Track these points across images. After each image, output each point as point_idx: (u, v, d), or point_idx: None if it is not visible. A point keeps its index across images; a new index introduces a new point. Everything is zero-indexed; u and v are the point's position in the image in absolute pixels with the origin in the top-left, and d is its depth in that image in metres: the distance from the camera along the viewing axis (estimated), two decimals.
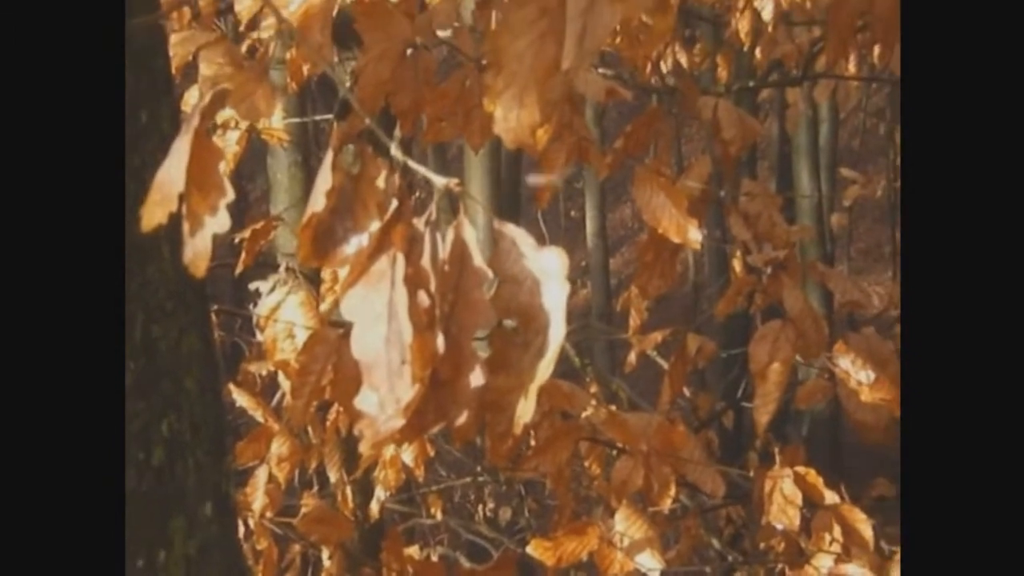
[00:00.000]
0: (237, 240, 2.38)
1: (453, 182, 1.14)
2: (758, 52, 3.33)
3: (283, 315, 2.16)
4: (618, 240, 12.71)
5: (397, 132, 2.04)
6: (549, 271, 1.16)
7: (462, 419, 1.11)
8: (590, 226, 10.07)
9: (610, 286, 10.17)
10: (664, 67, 3.45)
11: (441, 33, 1.94)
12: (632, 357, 2.69)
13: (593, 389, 2.94)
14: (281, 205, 3.97)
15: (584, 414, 2.14)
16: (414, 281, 1.09)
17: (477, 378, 1.12)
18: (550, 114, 1.17)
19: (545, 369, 1.15)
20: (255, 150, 3.78)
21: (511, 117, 1.12)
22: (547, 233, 12.73)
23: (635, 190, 1.98)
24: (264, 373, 2.50)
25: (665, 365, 2.43)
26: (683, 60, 3.56)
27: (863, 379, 2.04)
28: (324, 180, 1.08)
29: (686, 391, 2.56)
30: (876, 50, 2.60)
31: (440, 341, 1.09)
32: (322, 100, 3.79)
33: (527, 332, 1.16)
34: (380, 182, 1.24)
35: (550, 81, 1.11)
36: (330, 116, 3.11)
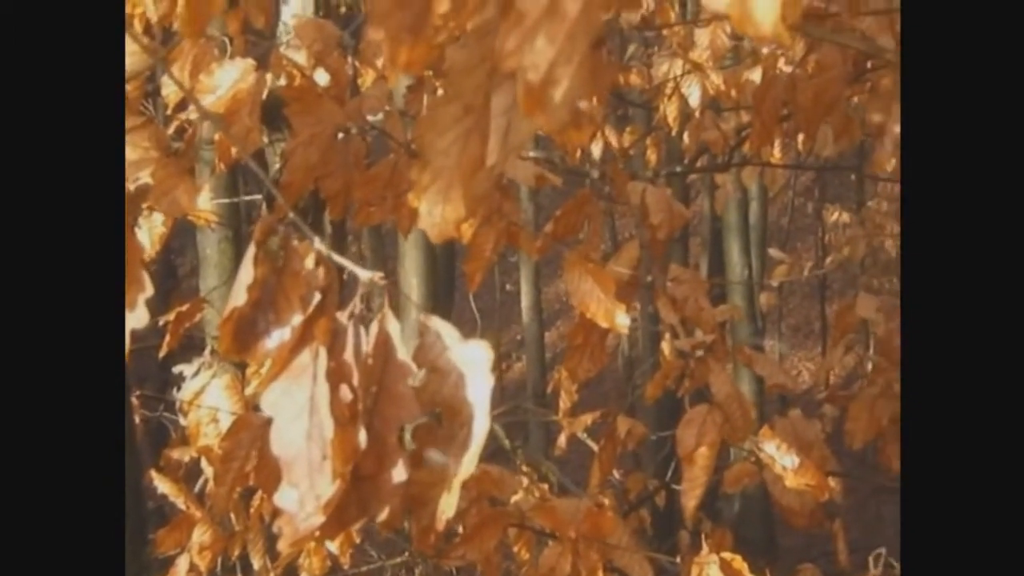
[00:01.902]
0: (162, 323, 2.35)
1: (377, 275, 1.14)
2: (686, 137, 3.39)
3: (207, 399, 2.13)
4: (553, 314, 12.75)
5: (327, 216, 2.04)
6: (474, 363, 1.16)
7: (384, 515, 1.10)
8: (525, 300, 10.10)
9: (545, 360, 10.18)
10: (596, 150, 3.51)
11: (372, 118, 1.95)
12: (562, 440, 2.69)
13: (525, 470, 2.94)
14: (211, 281, 3.93)
15: (513, 499, 2.13)
16: (337, 375, 1.08)
17: (400, 473, 1.11)
18: (475, 209, 1.18)
19: (469, 462, 1.14)
20: (184, 224, 3.75)
21: (436, 212, 1.13)
22: (483, 306, 12.76)
23: (565, 275, 2.00)
24: (187, 459, 2.46)
25: (595, 447, 2.43)
26: (614, 142, 3.62)
27: (788, 464, 2.05)
28: (246, 273, 1.08)
29: (616, 473, 2.56)
30: (800, 137, 2.65)
31: (362, 436, 1.08)
32: (254, 177, 3.79)
33: (451, 425, 1.16)
34: (309, 262, 1.24)
35: (475, 176, 1.12)
36: (259, 196, 3.10)
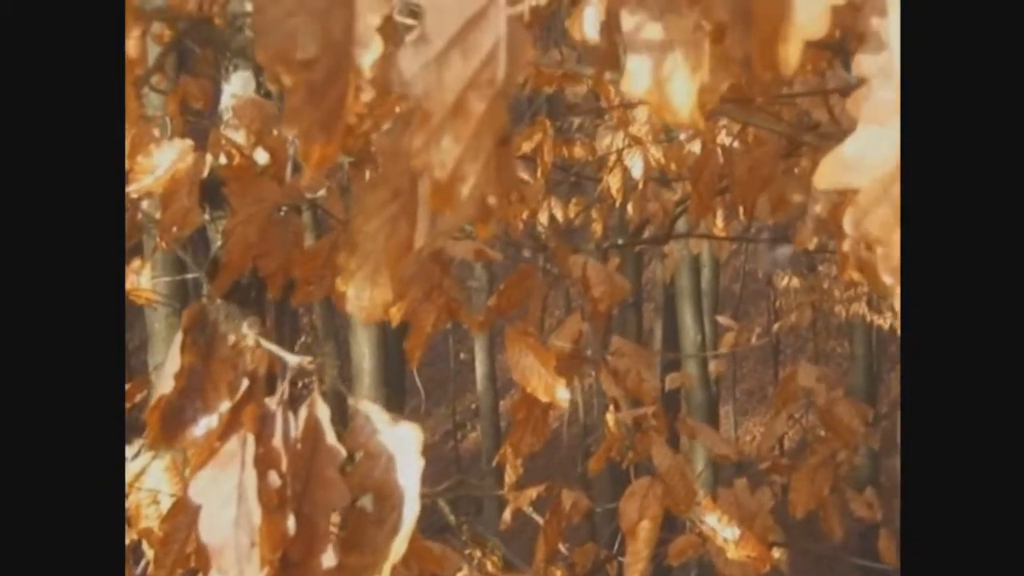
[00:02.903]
0: None
1: (306, 360, 1.15)
2: (631, 208, 3.43)
3: (147, 481, 2.12)
4: (508, 383, 12.74)
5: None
6: (404, 446, 1.16)
7: None
8: (480, 369, 10.10)
9: (500, 429, 10.16)
10: (542, 221, 3.54)
11: (311, 195, 1.96)
12: (507, 514, 2.69)
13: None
14: (159, 356, 3.91)
15: None
16: (265, 461, 1.08)
17: (330, 558, 1.11)
18: (403, 292, 1.19)
19: (400, 546, 1.14)
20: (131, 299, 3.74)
21: (364, 296, 1.13)
22: (437, 375, 12.73)
23: (506, 349, 2.01)
24: (128, 541, 2.43)
25: (540, 521, 2.44)
26: (559, 215, 3.66)
27: (729, 536, 2.06)
28: (172, 362, 1.08)
29: (563, 547, 2.57)
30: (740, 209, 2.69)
31: (291, 522, 1.08)
32: (194, 253, 3.78)
33: (382, 509, 1.16)
34: (250, 340, 1.24)
35: (403, 260, 1.13)
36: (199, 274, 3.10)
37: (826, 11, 0.97)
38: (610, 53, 1.01)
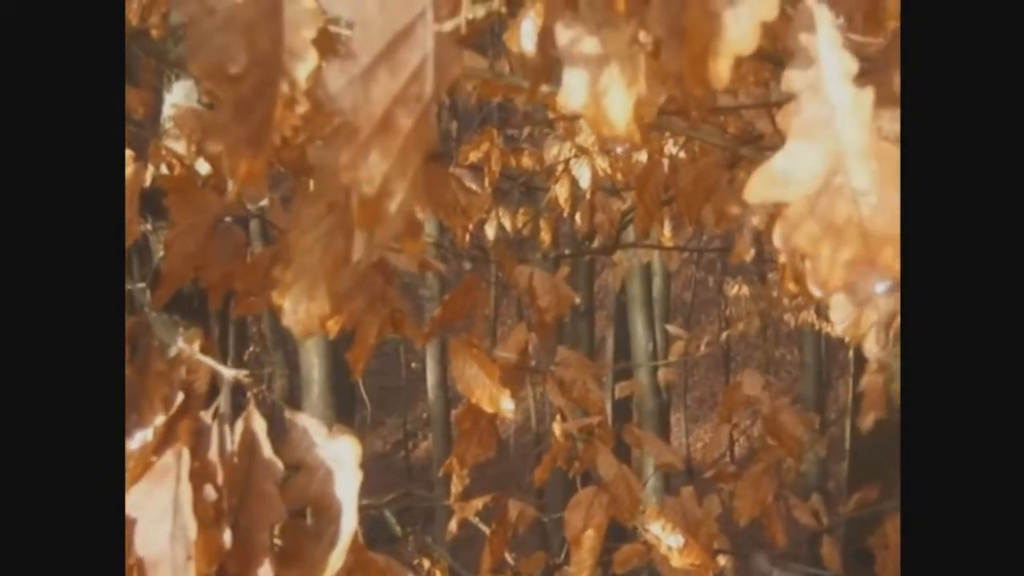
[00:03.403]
0: None
1: (243, 374, 1.15)
2: (579, 218, 3.44)
3: None
4: (459, 391, 12.72)
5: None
6: (341, 459, 1.16)
7: None
8: (431, 378, 10.07)
9: (452, 438, 10.14)
10: (489, 232, 3.55)
11: (253, 206, 1.95)
12: (453, 525, 2.69)
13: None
14: None
15: None
16: (200, 475, 1.08)
17: (267, 572, 1.10)
18: (340, 306, 1.19)
19: (337, 560, 1.14)
20: None
21: (300, 310, 1.13)
22: (389, 384, 12.70)
23: (451, 361, 2.01)
24: None
25: (487, 531, 2.44)
26: (507, 224, 3.66)
27: (673, 544, 2.07)
28: None
29: (509, 557, 2.57)
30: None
31: (227, 536, 1.08)
32: (139, 264, 3.75)
33: (319, 522, 1.16)
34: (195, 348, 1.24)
35: (339, 273, 1.13)
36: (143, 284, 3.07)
37: (756, 27, 0.98)
38: (544, 67, 1.01)
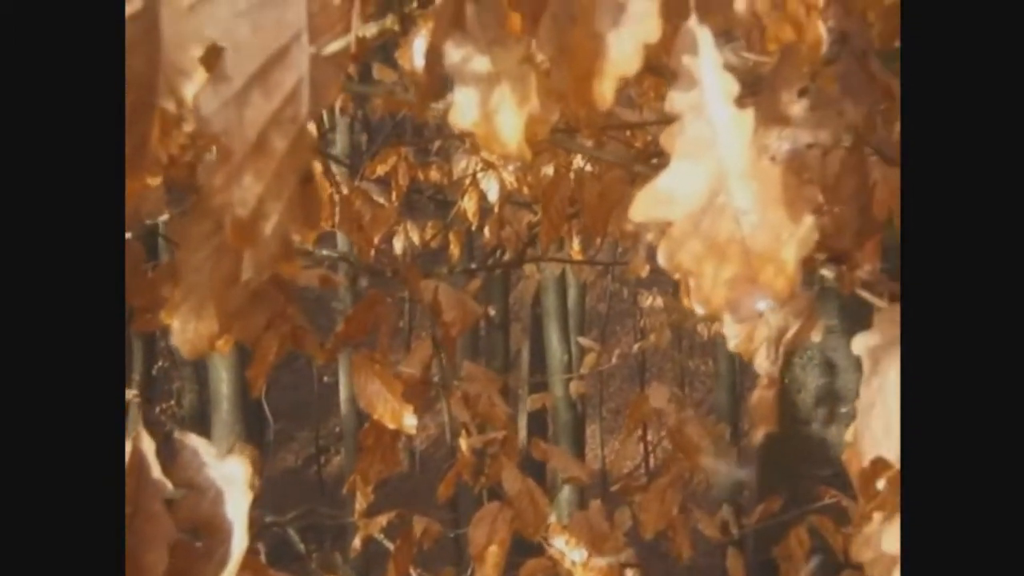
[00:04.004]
0: None
1: (132, 394, 1.13)
2: (487, 231, 3.45)
3: None
4: (362, 407, 12.62)
5: None
6: (232, 479, 1.16)
7: None
8: (343, 392, 10.01)
9: None
10: (397, 245, 3.54)
11: (151, 222, 1.93)
12: (357, 542, 2.68)
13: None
14: None
15: None
16: None
17: None
18: (229, 324, 1.18)
19: None
20: None
21: (189, 328, 1.13)
22: (301, 399, 12.60)
23: (353, 377, 2.00)
24: None
25: (392, 547, 2.43)
26: (416, 238, 3.66)
27: (577, 559, 2.08)
28: None
29: (414, 573, 2.56)
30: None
31: None
32: None
33: (210, 542, 1.15)
34: None
35: (229, 292, 1.12)
36: None
37: (639, 49, 0.99)
38: (431, 85, 1.01)
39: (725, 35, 1.53)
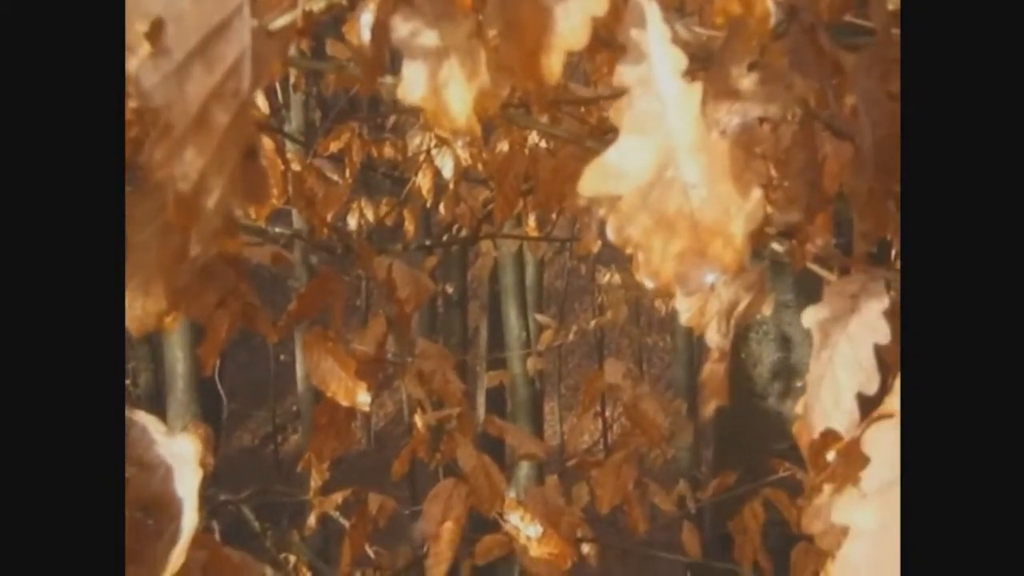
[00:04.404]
0: None
1: None
2: (442, 208, 3.44)
3: None
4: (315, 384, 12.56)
5: None
6: (182, 457, 1.15)
7: None
8: (300, 370, 9.98)
9: None
10: (352, 223, 3.53)
11: None
12: (312, 520, 2.68)
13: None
14: None
15: None
16: None
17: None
18: (178, 302, 1.17)
19: (178, 558, 1.12)
20: None
21: (137, 306, 1.12)
22: (258, 377, 12.55)
23: (304, 354, 1.99)
24: None
25: (347, 524, 2.43)
26: (370, 215, 3.64)
27: (532, 534, 2.09)
28: None
29: (370, 550, 2.56)
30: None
31: None
32: None
33: (160, 520, 1.14)
34: None
35: (177, 269, 1.11)
36: None
37: (587, 22, 0.99)
38: (378, 60, 1.01)
39: (678, 9, 1.54)
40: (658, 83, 0.99)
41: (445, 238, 3.60)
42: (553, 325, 6.59)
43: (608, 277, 10.66)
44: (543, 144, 2.70)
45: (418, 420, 2.41)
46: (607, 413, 11.92)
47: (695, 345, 12.07)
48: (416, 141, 3.41)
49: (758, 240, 1.33)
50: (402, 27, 1.06)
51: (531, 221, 3.34)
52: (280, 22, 1.17)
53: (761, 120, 1.34)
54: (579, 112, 2.54)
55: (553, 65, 0.98)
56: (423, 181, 3.35)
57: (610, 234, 0.99)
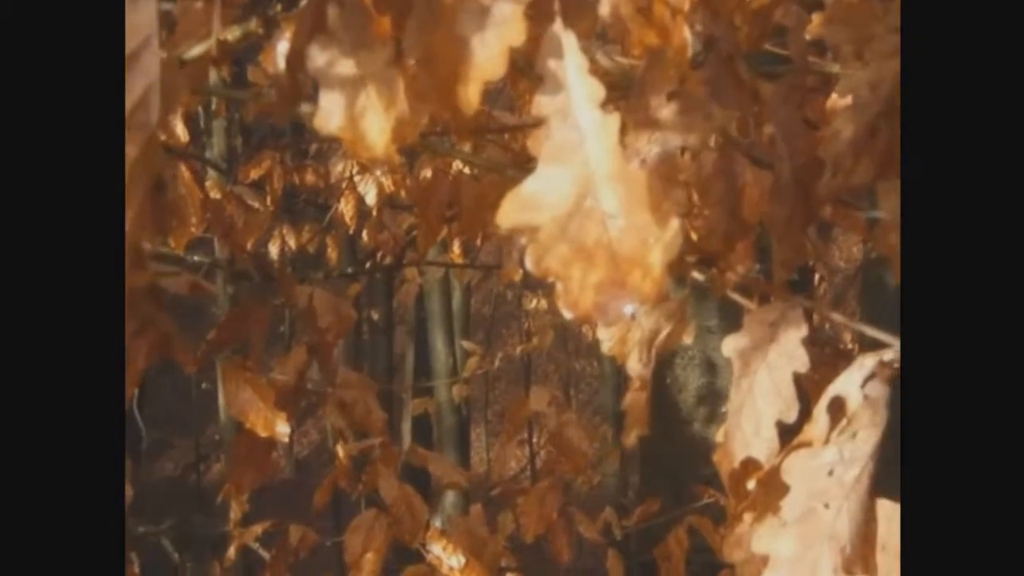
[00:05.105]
0: None
1: None
2: (365, 235, 3.41)
3: None
4: (233, 415, 12.42)
5: None
6: None
7: None
8: (222, 399, 9.85)
9: None
10: (273, 250, 3.49)
11: None
12: (231, 552, 2.63)
13: None
14: None
15: None
16: None
17: None
18: None
19: None
20: None
21: None
22: (179, 406, 12.38)
23: (222, 385, 1.96)
24: None
25: (268, 556, 2.39)
26: (292, 242, 3.61)
27: (454, 564, 2.07)
28: None
29: None
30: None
31: None
32: None
33: None
34: None
35: None
36: None
37: (504, 52, 0.98)
38: (292, 89, 0.99)
39: (601, 36, 1.54)
40: (576, 113, 0.99)
41: (368, 265, 3.58)
42: (478, 351, 6.57)
43: (535, 303, 10.68)
44: (467, 170, 2.70)
45: (340, 450, 2.38)
46: (534, 439, 11.91)
47: (622, 371, 12.08)
48: (339, 167, 3.39)
49: (677, 269, 1.34)
50: (319, 56, 1.05)
51: (456, 247, 3.33)
52: (195, 51, 1.15)
53: (683, 150, 1.34)
54: (503, 139, 2.54)
55: (470, 95, 0.98)
56: (346, 208, 3.33)
57: (528, 265, 0.99)
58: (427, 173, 3.11)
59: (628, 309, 0.98)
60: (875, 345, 1.16)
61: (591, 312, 0.98)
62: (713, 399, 4.72)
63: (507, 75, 1.04)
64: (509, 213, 0.99)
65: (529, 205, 0.98)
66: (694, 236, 1.45)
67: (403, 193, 3.14)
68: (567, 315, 1.00)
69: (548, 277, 1.00)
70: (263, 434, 1.92)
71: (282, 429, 1.92)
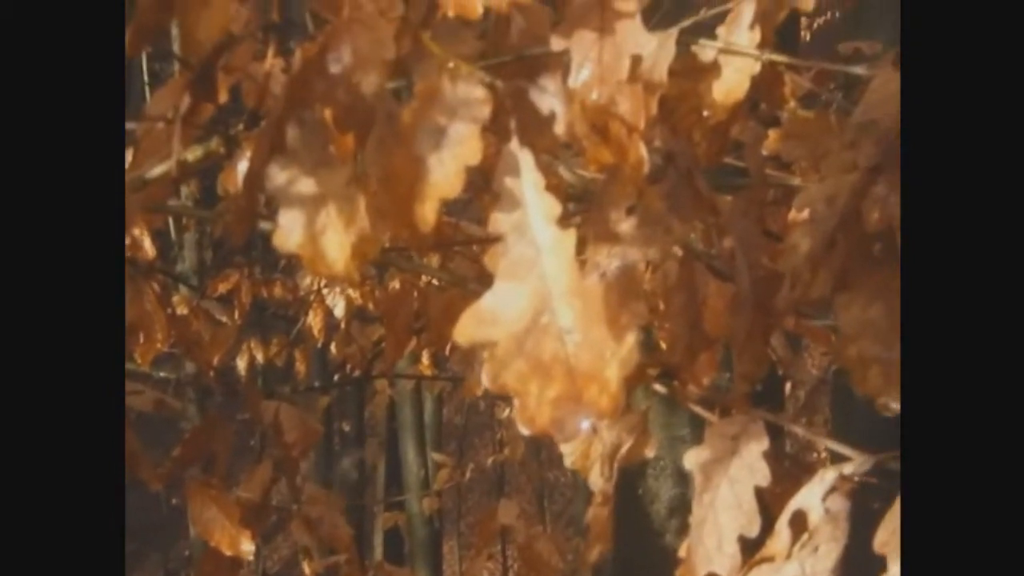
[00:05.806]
0: None
1: None
2: (334, 348, 3.41)
3: None
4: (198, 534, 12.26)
5: None
6: None
7: None
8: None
9: None
10: (242, 363, 3.48)
11: None
12: None
13: None
14: None
15: None
16: None
17: None
18: None
19: None
20: None
21: None
22: (150, 521, 12.19)
23: (188, 502, 1.94)
24: None
25: None
26: (260, 355, 3.60)
27: None
28: None
29: None
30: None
31: None
32: None
33: None
34: None
35: None
36: None
37: (460, 171, 1.00)
38: (249, 208, 1.00)
39: (566, 146, 1.56)
40: (532, 230, 1.00)
41: (337, 377, 3.57)
42: (449, 463, 6.53)
43: (507, 412, 10.63)
44: (435, 282, 2.70)
45: (306, 568, 2.35)
46: (507, 552, 11.77)
47: None
48: (307, 280, 3.40)
49: (638, 381, 1.34)
50: (279, 175, 1.06)
51: (426, 358, 3.32)
52: (156, 171, 1.16)
53: (646, 264, 1.35)
54: (471, 251, 2.55)
55: (427, 213, 0.99)
56: (315, 320, 3.34)
57: (485, 381, 0.99)
58: (396, 284, 3.12)
59: (585, 424, 0.98)
60: (841, 455, 1.16)
61: (548, 427, 0.98)
62: (685, 510, 4.68)
63: (472, 188, 1.05)
64: (467, 328, 0.99)
65: (486, 320, 0.99)
66: (663, 345, 1.46)
67: (371, 305, 3.15)
68: (523, 431, 1.00)
69: (505, 392, 1.00)
70: (228, 552, 1.90)
71: (246, 547, 1.90)
